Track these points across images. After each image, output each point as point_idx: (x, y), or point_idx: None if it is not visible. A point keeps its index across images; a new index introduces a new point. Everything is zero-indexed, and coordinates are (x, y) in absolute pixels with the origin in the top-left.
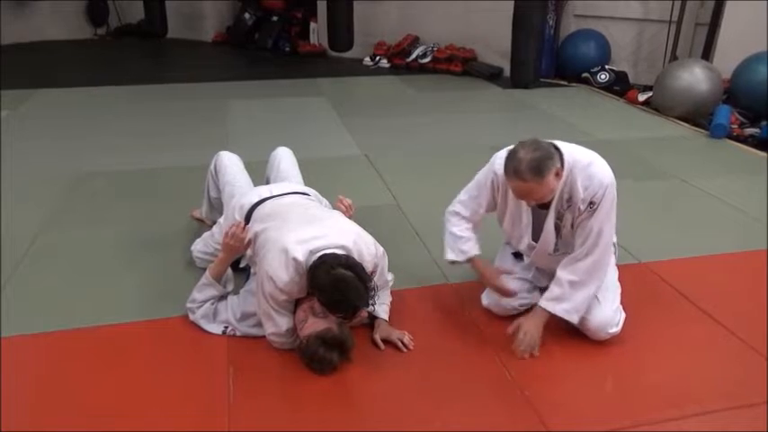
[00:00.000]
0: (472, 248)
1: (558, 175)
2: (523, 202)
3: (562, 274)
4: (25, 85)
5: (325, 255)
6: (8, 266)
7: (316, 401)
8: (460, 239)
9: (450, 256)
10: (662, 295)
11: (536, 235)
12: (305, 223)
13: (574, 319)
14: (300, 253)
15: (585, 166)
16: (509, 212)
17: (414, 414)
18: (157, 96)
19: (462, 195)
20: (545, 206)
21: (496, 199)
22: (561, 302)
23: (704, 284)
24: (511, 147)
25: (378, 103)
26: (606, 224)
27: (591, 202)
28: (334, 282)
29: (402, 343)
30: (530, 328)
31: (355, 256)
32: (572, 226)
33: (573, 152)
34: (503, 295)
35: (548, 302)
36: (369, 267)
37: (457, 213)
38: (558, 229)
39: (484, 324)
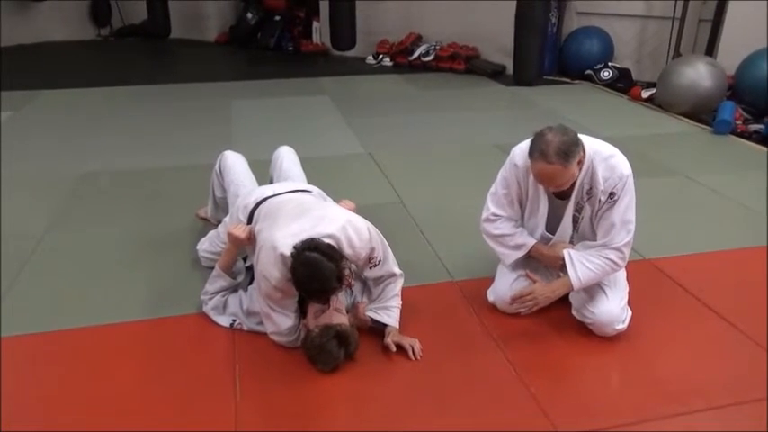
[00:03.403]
0: (527, 239)
1: (580, 163)
2: (542, 192)
3: (586, 245)
4: (29, 86)
5: (299, 243)
6: (15, 266)
7: (322, 399)
8: (512, 236)
9: (510, 258)
10: (667, 291)
11: (550, 227)
12: (295, 217)
13: (573, 273)
14: (287, 248)
15: (606, 157)
16: (529, 202)
17: (419, 412)
18: (161, 97)
19: (491, 199)
20: (563, 196)
21: (523, 191)
22: (575, 257)
23: (709, 281)
24: (529, 138)
25: (381, 101)
26: (627, 214)
27: (611, 194)
28: (301, 266)
29: (413, 350)
30: (539, 293)
31: (344, 243)
32: (590, 219)
33: (593, 144)
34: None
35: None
36: (362, 253)
37: (496, 216)
38: (575, 221)
39: (489, 321)
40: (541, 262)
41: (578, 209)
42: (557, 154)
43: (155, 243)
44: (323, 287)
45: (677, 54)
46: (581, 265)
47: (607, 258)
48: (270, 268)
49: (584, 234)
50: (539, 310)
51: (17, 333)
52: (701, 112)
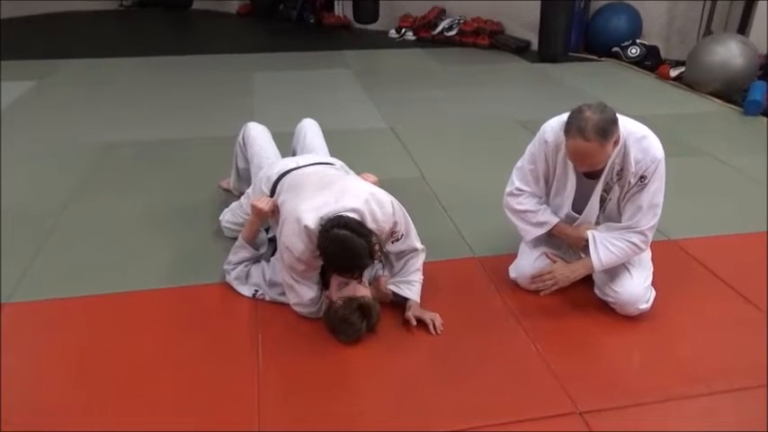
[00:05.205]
0: (551, 217)
1: (616, 143)
2: (570, 171)
3: (610, 227)
4: (53, 56)
5: (327, 219)
6: (40, 234)
7: (342, 370)
8: (535, 213)
9: (531, 234)
10: (691, 272)
11: (576, 206)
12: (318, 190)
13: (595, 255)
14: (311, 221)
15: (639, 139)
16: (555, 180)
17: (437, 386)
18: (182, 68)
19: (516, 174)
20: (592, 176)
21: (551, 169)
22: (598, 238)
23: (734, 262)
24: (563, 115)
25: (403, 76)
26: (656, 198)
27: (642, 176)
28: (330, 243)
29: (433, 325)
30: (559, 272)
31: (368, 217)
32: (618, 200)
33: (626, 124)
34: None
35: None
36: (385, 227)
37: (520, 191)
38: (602, 202)
39: (510, 298)
40: (564, 241)
41: (607, 189)
42: (595, 131)
43: (178, 213)
44: (355, 264)
45: (708, 32)
46: (603, 247)
47: (630, 242)
48: (294, 240)
49: (610, 215)
50: (560, 288)
51: (43, 298)
52: (732, 91)
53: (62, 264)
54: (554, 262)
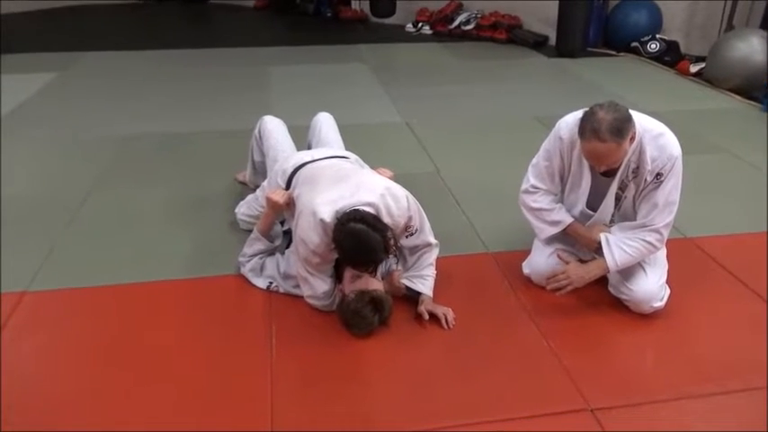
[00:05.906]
0: (565, 216)
1: (632, 139)
2: (585, 168)
3: (624, 226)
4: (72, 48)
5: (342, 213)
6: (59, 225)
7: (354, 363)
8: (550, 212)
9: (546, 233)
10: (707, 271)
11: (591, 203)
12: (334, 183)
13: (610, 256)
14: (327, 214)
15: (656, 136)
16: (570, 177)
17: (448, 380)
18: (200, 61)
19: (532, 171)
20: (607, 174)
21: (566, 166)
22: (612, 240)
23: (751, 261)
24: (578, 111)
25: (420, 70)
26: (672, 196)
27: (658, 174)
28: (346, 237)
29: (445, 319)
30: (573, 273)
31: (383, 211)
32: (633, 198)
33: (642, 121)
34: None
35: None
36: (400, 222)
37: (536, 188)
38: (618, 199)
39: (523, 293)
40: (577, 242)
41: (622, 187)
42: (610, 131)
43: (194, 205)
44: (370, 258)
45: (729, 27)
46: (618, 248)
47: (645, 241)
48: (309, 233)
49: (625, 213)
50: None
51: (59, 287)
52: (752, 88)
53: (79, 254)
54: (567, 263)
